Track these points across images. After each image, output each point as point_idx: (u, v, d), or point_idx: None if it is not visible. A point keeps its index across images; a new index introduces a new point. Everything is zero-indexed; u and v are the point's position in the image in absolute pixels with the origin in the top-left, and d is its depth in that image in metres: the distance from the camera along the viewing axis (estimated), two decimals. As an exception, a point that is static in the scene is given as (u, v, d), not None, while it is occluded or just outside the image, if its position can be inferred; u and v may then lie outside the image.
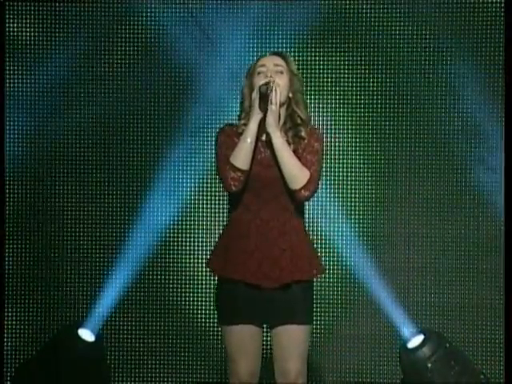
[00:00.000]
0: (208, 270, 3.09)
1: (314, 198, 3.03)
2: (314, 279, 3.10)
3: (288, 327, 3.01)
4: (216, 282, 3.08)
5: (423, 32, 5.08)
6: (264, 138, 3.01)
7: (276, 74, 2.98)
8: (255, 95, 2.92)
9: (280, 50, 3.26)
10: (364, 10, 4.96)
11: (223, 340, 3.07)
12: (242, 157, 2.90)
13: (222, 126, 3.14)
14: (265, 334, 3.10)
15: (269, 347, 3.11)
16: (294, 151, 2.99)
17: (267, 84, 2.92)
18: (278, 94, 2.92)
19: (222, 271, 3.02)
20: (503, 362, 4.32)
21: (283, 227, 2.99)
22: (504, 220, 3.56)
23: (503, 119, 5.14)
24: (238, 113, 3.26)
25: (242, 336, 3.01)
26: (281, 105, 2.99)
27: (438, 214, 5.67)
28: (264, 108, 2.91)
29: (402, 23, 5.02)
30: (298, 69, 3.14)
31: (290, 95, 3.02)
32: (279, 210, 2.99)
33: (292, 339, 3.02)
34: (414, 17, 5.05)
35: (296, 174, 2.95)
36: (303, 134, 3.01)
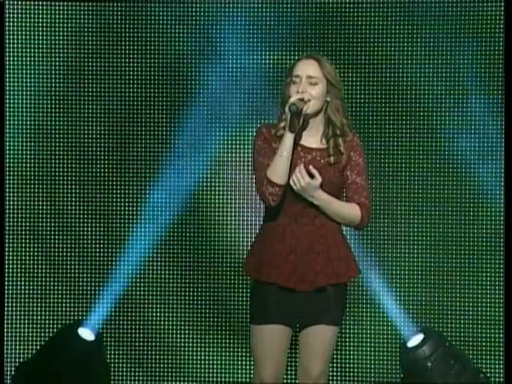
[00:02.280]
0: (244, 272, 3.10)
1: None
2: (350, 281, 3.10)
3: (318, 327, 3.01)
4: (251, 283, 3.09)
5: (423, 32, 5.09)
6: (303, 144, 3.00)
7: (309, 87, 2.95)
8: (287, 111, 2.90)
9: (316, 53, 3.19)
10: (364, 10, 4.96)
11: (251, 342, 3.06)
12: (279, 172, 2.88)
13: (259, 126, 3.13)
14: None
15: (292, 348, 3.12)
16: (335, 163, 2.99)
17: (301, 100, 2.90)
18: (317, 182, 2.89)
19: (257, 274, 3.02)
20: (503, 361, 4.31)
21: (319, 231, 2.99)
22: (504, 220, 3.57)
23: (503, 119, 5.15)
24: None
25: (272, 338, 3.01)
26: (316, 112, 3.00)
27: (438, 214, 5.67)
28: (296, 124, 2.90)
29: (402, 23, 5.02)
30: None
31: (328, 99, 3.00)
32: (315, 214, 2.98)
33: (320, 339, 3.02)
34: (414, 17, 5.06)
35: (349, 219, 2.99)
36: (342, 148, 3.00)
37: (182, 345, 4.91)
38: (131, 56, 4.99)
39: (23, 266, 4.96)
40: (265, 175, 2.90)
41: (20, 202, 5.02)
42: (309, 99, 2.93)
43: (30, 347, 4.83)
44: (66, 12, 4.93)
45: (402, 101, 5.16)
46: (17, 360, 4.81)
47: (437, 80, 5.20)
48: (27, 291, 4.94)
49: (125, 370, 4.85)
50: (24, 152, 5.05)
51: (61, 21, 4.94)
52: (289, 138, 2.89)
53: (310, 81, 2.96)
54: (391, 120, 5.21)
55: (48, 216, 4.99)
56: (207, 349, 4.89)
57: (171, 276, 4.95)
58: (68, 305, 4.88)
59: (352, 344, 4.78)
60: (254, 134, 3.09)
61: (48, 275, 4.94)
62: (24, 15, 4.94)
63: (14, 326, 4.87)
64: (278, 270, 2.97)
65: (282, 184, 2.90)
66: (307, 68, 2.99)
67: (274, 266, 2.97)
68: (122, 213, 5.01)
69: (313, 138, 3.03)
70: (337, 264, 2.99)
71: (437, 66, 5.20)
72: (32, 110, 5.05)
